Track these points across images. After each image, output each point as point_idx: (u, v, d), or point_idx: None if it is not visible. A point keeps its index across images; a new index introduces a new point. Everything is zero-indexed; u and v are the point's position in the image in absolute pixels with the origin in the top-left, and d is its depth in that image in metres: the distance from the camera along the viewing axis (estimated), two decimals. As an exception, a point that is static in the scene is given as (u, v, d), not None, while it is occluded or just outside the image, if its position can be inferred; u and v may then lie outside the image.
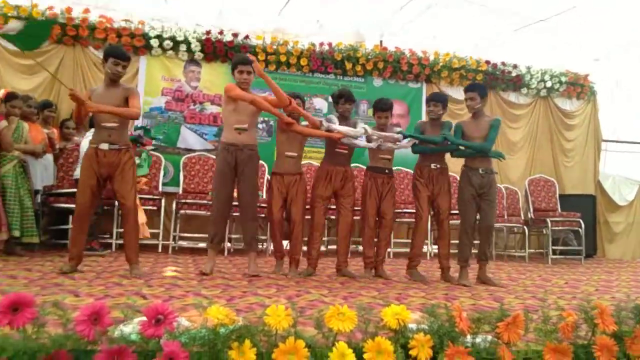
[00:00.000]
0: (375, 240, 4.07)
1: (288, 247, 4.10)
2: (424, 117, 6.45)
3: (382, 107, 4.02)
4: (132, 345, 1.43)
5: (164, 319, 1.48)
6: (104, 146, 3.42)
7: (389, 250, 5.71)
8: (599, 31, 6.32)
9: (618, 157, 7.71)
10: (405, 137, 3.93)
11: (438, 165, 3.99)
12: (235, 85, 3.69)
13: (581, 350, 1.93)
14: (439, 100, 4.06)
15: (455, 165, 4.79)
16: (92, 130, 3.81)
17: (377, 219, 4.04)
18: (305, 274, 3.85)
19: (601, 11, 5.77)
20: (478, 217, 3.97)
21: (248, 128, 3.71)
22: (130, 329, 1.54)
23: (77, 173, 4.43)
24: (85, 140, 4.55)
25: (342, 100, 4.04)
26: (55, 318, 1.53)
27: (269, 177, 5.39)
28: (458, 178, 4.12)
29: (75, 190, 4.64)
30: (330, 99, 6.43)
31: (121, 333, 1.53)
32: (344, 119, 3.99)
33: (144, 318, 1.50)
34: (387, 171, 4.04)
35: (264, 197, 5.07)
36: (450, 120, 4.30)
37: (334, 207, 4.29)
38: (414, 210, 4.23)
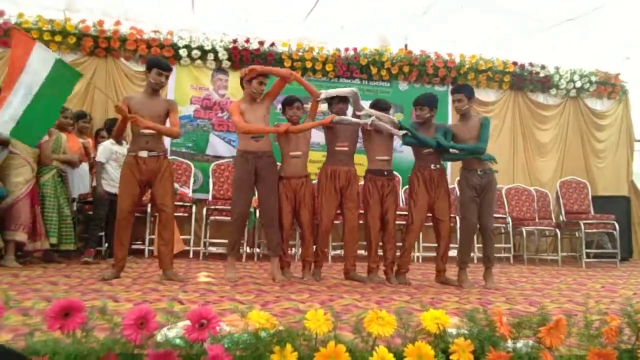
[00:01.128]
0: (380, 244, 4.03)
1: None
2: (450, 120, 6.40)
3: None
4: (177, 349, 1.46)
5: (208, 323, 1.50)
6: (143, 154, 3.54)
7: (418, 254, 5.68)
8: (629, 29, 6.17)
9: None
10: (401, 127, 3.89)
11: (437, 166, 3.96)
12: (238, 108, 3.71)
13: (626, 355, 1.88)
14: (424, 103, 3.94)
15: (456, 166, 4.74)
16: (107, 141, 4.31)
17: (380, 222, 3.98)
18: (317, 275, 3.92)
19: (631, 9, 5.63)
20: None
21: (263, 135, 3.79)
22: (175, 333, 1.57)
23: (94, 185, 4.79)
24: (101, 148, 4.77)
25: (336, 100, 4.01)
26: (102, 323, 1.58)
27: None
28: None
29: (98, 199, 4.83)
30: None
31: (165, 337, 1.56)
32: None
33: (188, 322, 1.53)
34: (386, 173, 3.97)
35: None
36: (443, 123, 4.26)
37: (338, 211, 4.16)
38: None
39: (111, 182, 4.67)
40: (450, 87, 6.72)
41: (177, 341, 1.52)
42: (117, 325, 1.50)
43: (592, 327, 1.93)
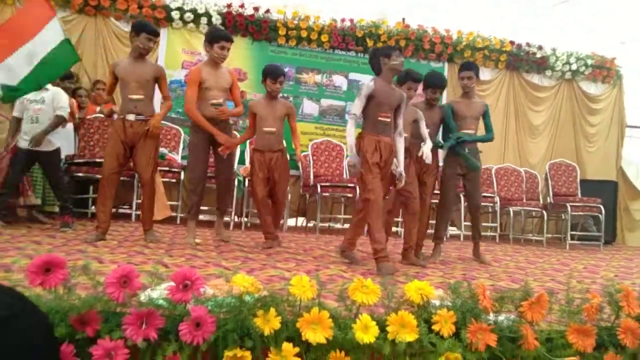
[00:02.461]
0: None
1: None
2: (444, 99, 6.35)
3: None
4: (160, 309, 1.45)
5: (192, 284, 1.49)
6: (131, 117, 3.56)
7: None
8: (626, 14, 6.13)
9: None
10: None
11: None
12: (198, 77, 3.64)
13: (605, 332, 1.92)
14: (439, 85, 3.77)
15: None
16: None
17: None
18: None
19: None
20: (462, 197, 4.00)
21: (223, 103, 3.76)
22: (158, 294, 1.56)
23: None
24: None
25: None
26: (85, 282, 1.56)
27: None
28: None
29: (95, 160, 4.77)
30: (349, 77, 6.40)
31: (148, 298, 1.55)
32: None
33: (171, 284, 1.52)
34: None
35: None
36: (443, 104, 4.09)
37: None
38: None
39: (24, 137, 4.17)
40: (446, 63, 6.67)
41: (161, 302, 1.51)
42: (99, 284, 1.49)
43: (573, 304, 1.95)
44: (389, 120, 3.25)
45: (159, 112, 3.74)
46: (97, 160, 4.86)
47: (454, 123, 3.90)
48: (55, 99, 4.05)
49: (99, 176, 4.75)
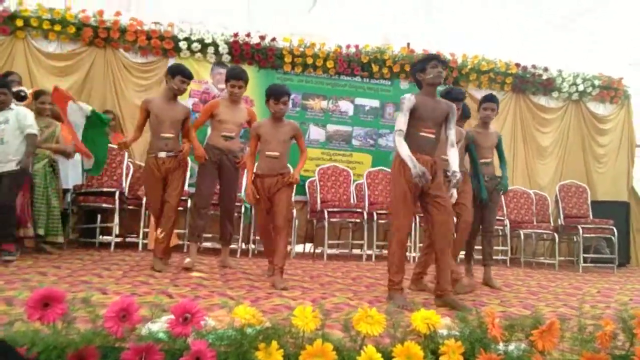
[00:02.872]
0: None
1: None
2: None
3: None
4: (160, 344, 1.43)
5: (192, 317, 1.47)
6: (162, 154, 3.83)
7: (413, 255, 5.64)
8: (634, 35, 6.15)
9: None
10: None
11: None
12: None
13: (619, 360, 1.85)
14: (495, 101, 4.06)
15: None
16: None
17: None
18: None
19: (635, 15, 5.60)
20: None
21: (235, 136, 4.04)
22: (158, 327, 1.53)
23: None
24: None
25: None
26: (85, 315, 1.54)
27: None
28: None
29: (102, 189, 4.81)
30: (355, 102, 6.43)
31: (148, 331, 1.53)
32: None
33: (172, 316, 1.49)
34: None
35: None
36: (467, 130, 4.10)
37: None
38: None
39: None
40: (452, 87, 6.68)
41: (161, 335, 1.48)
42: (98, 318, 1.47)
43: (586, 331, 1.89)
44: (432, 136, 3.02)
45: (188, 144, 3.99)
46: (104, 189, 4.90)
47: (475, 153, 4.02)
48: (19, 118, 3.99)
49: (106, 205, 4.83)
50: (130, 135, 4.23)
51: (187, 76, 3.85)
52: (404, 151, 2.90)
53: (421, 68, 3.04)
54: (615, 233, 5.75)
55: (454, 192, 3.51)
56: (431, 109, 3.01)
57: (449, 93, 3.57)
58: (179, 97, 3.98)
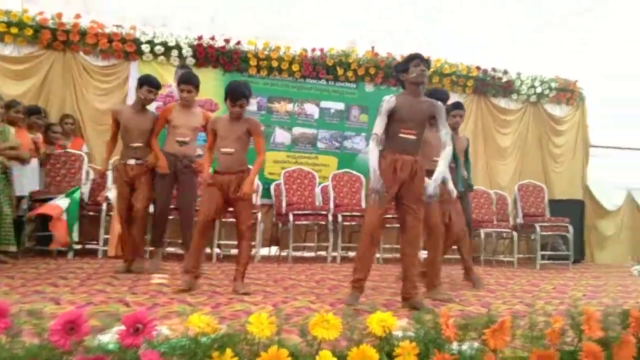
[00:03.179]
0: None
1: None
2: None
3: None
4: (109, 355, 1.40)
5: (143, 327, 1.45)
6: (131, 162, 3.97)
7: (378, 255, 5.70)
8: (589, 38, 6.38)
9: (606, 163, 7.74)
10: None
11: None
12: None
13: (567, 356, 1.91)
14: (461, 107, 4.18)
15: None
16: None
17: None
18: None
19: (591, 18, 5.81)
20: None
21: (189, 141, 4.10)
22: (109, 338, 1.50)
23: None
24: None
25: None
26: (31, 327, 1.50)
27: (258, 182, 5.36)
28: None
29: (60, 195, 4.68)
30: (320, 105, 6.46)
31: (99, 342, 1.50)
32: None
33: (123, 327, 1.47)
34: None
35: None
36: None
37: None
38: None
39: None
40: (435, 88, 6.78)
41: (111, 346, 1.45)
42: (45, 331, 1.43)
43: (537, 328, 1.95)
44: (413, 137, 2.98)
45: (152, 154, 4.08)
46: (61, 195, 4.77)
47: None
48: None
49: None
50: (104, 154, 4.27)
51: (155, 86, 4.01)
52: (372, 161, 2.90)
53: (404, 68, 3.01)
54: (571, 230, 5.95)
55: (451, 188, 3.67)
56: (412, 109, 2.96)
57: (432, 94, 3.55)
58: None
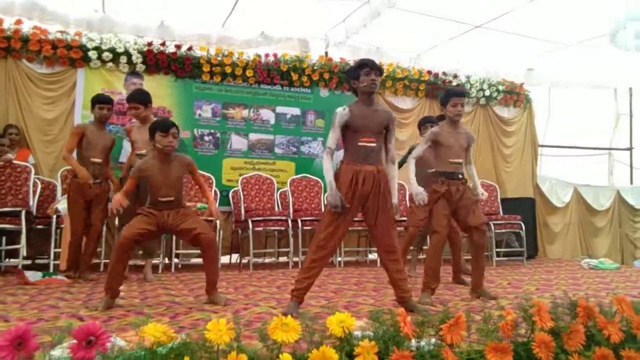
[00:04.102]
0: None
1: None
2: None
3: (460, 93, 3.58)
4: (61, 371, 1.35)
5: (96, 340, 1.40)
6: (92, 181, 4.21)
7: (340, 259, 5.73)
8: (532, 40, 6.64)
9: (553, 161, 8.11)
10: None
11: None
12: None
13: (521, 347, 1.98)
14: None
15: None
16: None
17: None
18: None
19: (535, 21, 6.05)
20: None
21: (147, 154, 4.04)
22: (60, 352, 1.45)
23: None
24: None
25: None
26: (-25, 346, 1.42)
27: (215, 189, 5.31)
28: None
29: (6, 209, 4.50)
30: (276, 110, 6.45)
31: (49, 357, 1.44)
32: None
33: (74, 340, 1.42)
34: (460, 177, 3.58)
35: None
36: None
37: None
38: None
39: None
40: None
41: (62, 361, 1.40)
42: (-10, 348, 1.36)
43: (491, 322, 2.01)
44: (373, 145, 2.85)
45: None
46: (8, 209, 4.58)
47: None
48: None
49: (10, 226, 4.50)
50: (71, 165, 4.30)
51: (105, 101, 4.32)
52: (328, 175, 2.78)
53: (354, 76, 2.89)
54: (523, 227, 6.17)
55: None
56: (368, 118, 2.86)
57: (449, 91, 3.56)
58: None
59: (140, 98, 4.26)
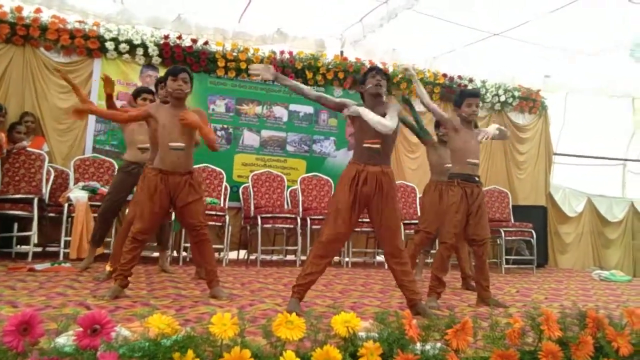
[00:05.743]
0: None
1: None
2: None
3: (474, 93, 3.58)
4: (65, 357, 1.35)
5: (101, 328, 1.41)
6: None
7: (347, 260, 5.71)
8: (550, 47, 6.57)
9: (567, 170, 8.00)
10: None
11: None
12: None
13: (528, 356, 1.95)
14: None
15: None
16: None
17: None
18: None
19: (552, 29, 5.99)
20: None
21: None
22: (65, 340, 1.45)
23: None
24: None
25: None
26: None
27: (226, 184, 5.31)
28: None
29: (19, 196, 4.54)
30: (289, 108, 6.45)
31: (54, 344, 1.45)
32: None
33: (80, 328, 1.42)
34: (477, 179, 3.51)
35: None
36: None
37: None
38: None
39: None
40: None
41: (67, 349, 1.41)
42: (-3, 332, 1.37)
43: (498, 329, 1.99)
44: (377, 146, 2.83)
45: None
46: (21, 196, 4.62)
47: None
48: None
49: (22, 213, 4.54)
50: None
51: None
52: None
53: (362, 81, 2.97)
54: (534, 236, 6.10)
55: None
56: None
57: (463, 92, 3.63)
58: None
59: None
